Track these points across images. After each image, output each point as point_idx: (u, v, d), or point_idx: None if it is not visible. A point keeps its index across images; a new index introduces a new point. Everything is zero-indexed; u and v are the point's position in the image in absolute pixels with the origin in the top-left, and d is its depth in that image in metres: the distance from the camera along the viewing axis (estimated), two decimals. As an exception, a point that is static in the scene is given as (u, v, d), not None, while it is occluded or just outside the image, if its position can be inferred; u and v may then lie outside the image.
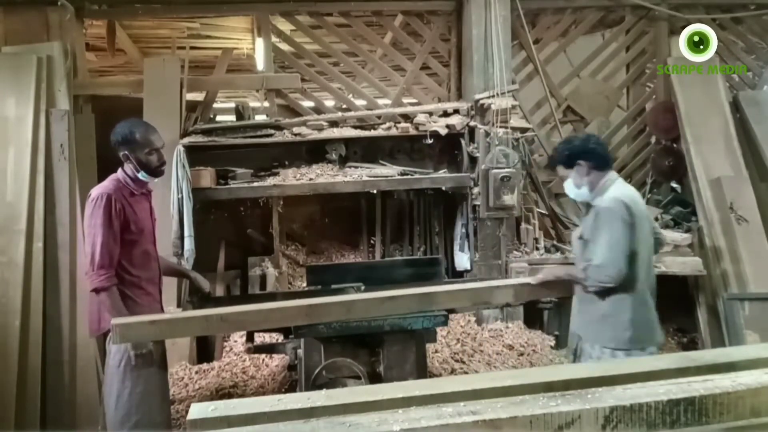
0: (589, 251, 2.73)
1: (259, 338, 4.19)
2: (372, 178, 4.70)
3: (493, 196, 4.60)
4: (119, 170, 3.02)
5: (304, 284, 4.59)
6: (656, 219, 5.11)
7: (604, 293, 2.69)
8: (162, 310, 3.12)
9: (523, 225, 4.92)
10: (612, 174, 2.81)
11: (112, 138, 2.98)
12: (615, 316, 2.69)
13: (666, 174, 5.42)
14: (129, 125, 2.99)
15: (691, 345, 4.87)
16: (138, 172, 2.97)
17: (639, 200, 2.78)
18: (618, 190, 2.75)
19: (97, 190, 2.90)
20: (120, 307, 2.81)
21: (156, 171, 3.03)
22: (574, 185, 2.84)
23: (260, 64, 5.25)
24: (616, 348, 2.68)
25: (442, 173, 4.94)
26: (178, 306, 4.06)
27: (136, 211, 2.96)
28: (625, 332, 2.66)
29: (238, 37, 6.02)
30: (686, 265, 4.59)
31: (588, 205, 2.87)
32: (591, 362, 2.70)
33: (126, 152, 2.95)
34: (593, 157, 2.79)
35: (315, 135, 4.73)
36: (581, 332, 2.87)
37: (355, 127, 4.92)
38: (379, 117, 4.97)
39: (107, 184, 2.96)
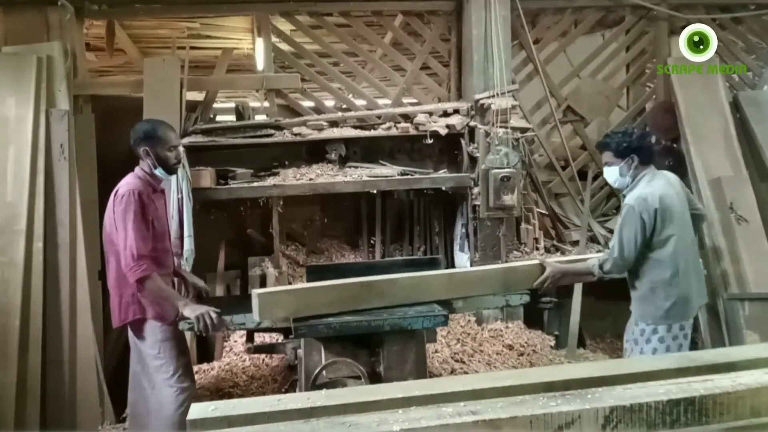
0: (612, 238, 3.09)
1: (259, 338, 4.20)
2: (372, 178, 4.70)
3: (493, 196, 4.60)
4: (137, 168, 3.17)
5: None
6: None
7: (640, 277, 3.06)
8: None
9: (523, 225, 4.92)
10: (649, 168, 3.08)
11: (134, 134, 3.14)
12: (648, 297, 3.05)
13: (666, 174, 5.42)
14: (151, 122, 3.21)
15: (691, 345, 4.85)
16: (155, 168, 3.13)
17: (666, 192, 3.00)
18: (645, 186, 3.03)
19: (126, 187, 3.04)
20: (169, 289, 3.05)
21: (172, 168, 3.20)
22: (619, 174, 3.10)
23: (260, 64, 5.25)
24: (653, 323, 3.03)
25: (442, 173, 4.94)
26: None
27: (157, 207, 3.13)
28: (658, 311, 3.02)
29: (238, 37, 6.02)
30: (686, 265, 4.59)
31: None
32: (632, 338, 3.10)
33: (147, 148, 3.10)
34: (646, 153, 3.07)
35: (315, 135, 4.73)
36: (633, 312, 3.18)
37: (355, 127, 4.92)
38: (379, 117, 4.97)
39: (132, 180, 3.10)
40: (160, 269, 3.08)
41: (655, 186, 3.03)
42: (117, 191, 3.04)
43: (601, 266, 3.11)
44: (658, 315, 3.02)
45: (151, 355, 3.10)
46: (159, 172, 3.15)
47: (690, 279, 3.07)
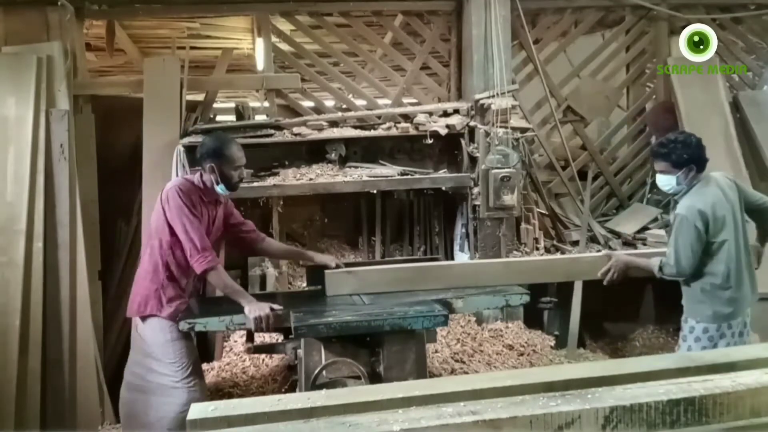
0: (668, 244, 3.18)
1: (259, 338, 4.19)
2: (372, 178, 4.69)
3: (493, 196, 4.60)
4: (196, 175, 3.22)
5: (304, 284, 4.59)
6: (656, 219, 5.12)
7: (691, 279, 3.12)
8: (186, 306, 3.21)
9: (523, 225, 4.92)
10: (703, 175, 3.12)
11: (201, 149, 3.19)
12: (699, 297, 3.11)
13: (666, 174, 5.41)
14: (221, 140, 3.24)
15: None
16: (217, 184, 3.17)
17: (718, 199, 3.06)
18: (697, 194, 3.07)
19: (173, 184, 3.13)
20: (233, 283, 3.11)
21: (234, 186, 3.25)
22: (676, 183, 3.11)
23: (260, 64, 5.25)
24: (702, 321, 3.10)
25: (442, 173, 4.94)
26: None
27: (203, 213, 3.16)
28: (708, 310, 3.08)
29: (238, 37, 6.02)
30: (686, 265, 4.58)
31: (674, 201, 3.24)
32: (682, 335, 3.19)
33: (213, 164, 3.13)
34: (704, 162, 3.11)
35: (315, 135, 4.73)
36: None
37: (355, 127, 4.92)
38: (379, 117, 4.97)
39: (182, 181, 3.19)
40: (179, 271, 3.12)
41: (707, 194, 3.06)
42: (165, 189, 3.13)
43: (661, 269, 3.16)
44: (708, 314, 3.07)
45: (159, 354, 3.11)
46: (220, 188, 3.19)
47: (743, 280, 3.11)
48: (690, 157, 3.06)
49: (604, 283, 3.38)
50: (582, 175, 5.43)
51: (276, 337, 4.00)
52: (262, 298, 3.15)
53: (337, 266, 3.46)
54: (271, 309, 2.97)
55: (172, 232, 3.06)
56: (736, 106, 5.19)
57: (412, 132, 4.80)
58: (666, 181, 3.14)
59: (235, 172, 3.19)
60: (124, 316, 4.44)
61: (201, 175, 3.21)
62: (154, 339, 3.12)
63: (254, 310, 2.96)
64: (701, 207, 3.01)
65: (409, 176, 4.79)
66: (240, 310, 3.01)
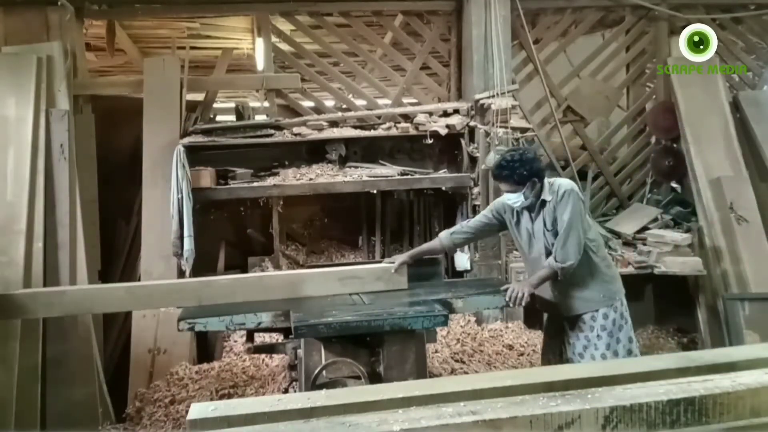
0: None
1: (259, 338, 4.19)
2: (372, 178, 4.69)
3: (493, 196, 4.60)
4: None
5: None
6: (656, 219, 5.11)
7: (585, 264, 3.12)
8: None
9: (523, 225, 4.91)
10: (545, 181, 3.15)
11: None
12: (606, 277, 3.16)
13: (666, 174, 5.41)
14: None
15: (691, 345, 4.87)
16: None
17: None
18: (558, 180, 3.18)
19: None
20: None
21: None
22: (524, 198, 3.11)
23: (260, 64, 5.25)
24: (615, 304, 3.15)
25: (442, 173, 4.94)
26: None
27: None
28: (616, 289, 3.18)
29: (238, 37, 6.02)
30: (686, 265, 4.59)
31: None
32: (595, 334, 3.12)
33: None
34: (541, 174, 3.13)
35: (315, 135, 4.73)
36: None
37: (355, 127, 4.92)
38: (379, 117, 4.97)
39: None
40: None
41: (562, 179, 3.20)
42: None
43: (555, 259, 3.09)
44: (607, 296, 3.16)
45: None
46: None
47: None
48: (529, 173, 3.07)
49: (516, 306, 3.21)
50: (582, 175, 5.43)
51: (276, 337, 4.00)
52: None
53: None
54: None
55: None
56: (736, 106, 5.19)
57: (412, 132, 4.80)
58: (515, 198, 3.13)
59: None
60: (124, 316, 4.47)
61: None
62: None
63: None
64: (576, 188, 3.10)
65: (409, 176, 4.79)
66: (239, 310, 3.01)
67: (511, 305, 3.17)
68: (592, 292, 3.13)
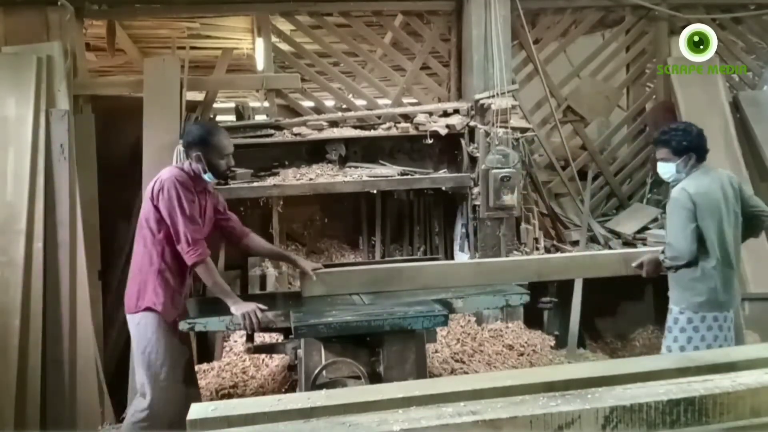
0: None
1: (259, 338, 4.19)
2: (372, 178, 4.69)
3: (493, 196, 4.60)
4: (185, 163, 3.17)
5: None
6: (656, 219, 5.11)
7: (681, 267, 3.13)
8: (181, 303, 3.17)
9: (523, 225, 4.92)
10: (703, 165, 3.19)
11: (187, 138, 3.16)
12: (684, 284, 3.14)
13: (666, 174, 5.41)
14: (206, 128, 3.20)
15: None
16: (205, 173, 3.12)
17: (711, 188, 3.12)
18: (690, 180, 3.13)
19: (168, 174, 3.04)
20: (221, 281, 3.07)
21: (223, 174, 3.22)
22: (675, 171, 3.17)
23: (260, 64, 5.25)
24: (687, 310, 3.11)
25: (442, 173, 4.94)
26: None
27: (199, 203, 3.12)
28: (692, 298, 3.11)
29: (238, 37, 6.02)
30: (686, 265, 4.58)
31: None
32: (667, 325, 3.19)
33: (199, 153, 3.08)
34: (703, 151, 3.18)
35: (315, 135, 4.73)
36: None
37: (355, 127, 4.92)
38: (379, 117, 4.97)
39: (174, 170, 3.10)
40: (173, 262, 3.08)
41: (701, 180, 3.13)
42: (159, 179, 3.04)
43: (663, 252, 3.18)
44: (693, 302, 3.10)
45: (143, 346, 3.05)
46: (208, 177, 3.14)
47: (731, 274, 3.15)
48: (689, 145, 3.12)
49: (643, 275, 3.37)
50: (582, 175, 5.43)
51: (276, 337, 4.00)
52: (258, 298, 3.13)
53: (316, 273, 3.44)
54: (258, 308, 2.96)
55: (165, 223, 3.00)
56: (736, 106, 5.19)
57: (412, 132, 4.80)
58: (666, 169, 3.20)
59: (222, 160, 3.12)
60: (124, 316, 4.46)
61: (190, 164, 3.14)
62: (144, 333, 3.04)
63: (241, 308, 2.96)
64: (692, 190, 3.07)
65: (409, 176, 4.79)
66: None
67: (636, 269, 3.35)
68: (678, 291, 3.18)
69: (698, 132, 3.18)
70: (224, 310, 3.04)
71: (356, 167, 4.83)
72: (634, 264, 3.38)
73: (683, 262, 3.11)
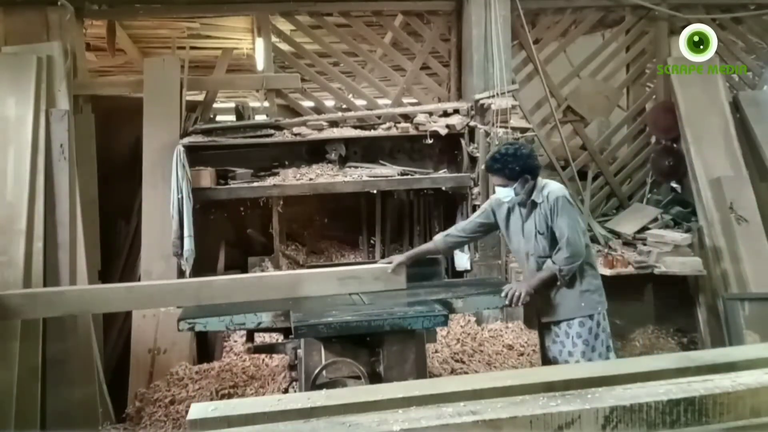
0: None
1: (259, 338, 4.19)
2: (372, 178, 4.69)
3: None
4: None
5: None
6: (656, 219, 5.11)
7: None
8: None
9: (523, 225, 4.91)
10: (538, 180, 3.17)
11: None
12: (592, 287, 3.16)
13: (666, 174, 5.41)
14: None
15: (691, 345, 4.87)
16: None
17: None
18: (553, 187, 3.16)
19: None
20: None
21: None
22: (514, 194, 3.14)
23: (260, 64, 5.25)
24: (601, 313, 3.15)
25: (442, 173, 4.94)
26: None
27: None
28: (602, 296, 3.20)
29: (238, 37, 6.02)
30: (686, 265, 4.58)
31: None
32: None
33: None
34: (535, 172, 3.15)
35: (315, 135, 4.73)
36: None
37: (355, 127, 4.92)
38: (379, 117, 4.97)
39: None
40: None
41: (555, 185, 3.18)
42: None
43: (554, 262, 3.10)
44: (602, 301, 3.20)
45: None
46: None
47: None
48: (522, 169, 3.09)
49: (514, 306, 3.21)
50: (582, 175, 5.43)
51: (276, 337, 4.00)
52: None
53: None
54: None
55: None
56: (736, 106, 5.19)
57: (412, 132, 4.80)
58: (505, 193, 3.15)
59: None
60: (124, 316, 4.47)
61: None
62: None
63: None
64: (567, 193, 3.12)
65: (409, 176, 4.79)
66: (239, 310, 3.01)
67: (508, 305, 3.16)
68: (573, 300, 3.12)
69: (528, 153, 3.15)
70: (224, 310, 3.04)
71: (356, 167, 4.84)
72: (504, 296, 3.14)
73: (579, 262, 3.07)
